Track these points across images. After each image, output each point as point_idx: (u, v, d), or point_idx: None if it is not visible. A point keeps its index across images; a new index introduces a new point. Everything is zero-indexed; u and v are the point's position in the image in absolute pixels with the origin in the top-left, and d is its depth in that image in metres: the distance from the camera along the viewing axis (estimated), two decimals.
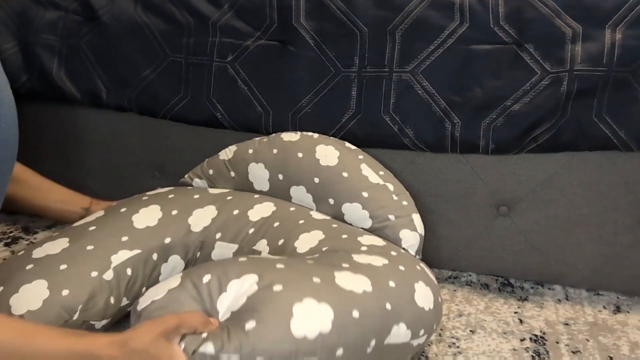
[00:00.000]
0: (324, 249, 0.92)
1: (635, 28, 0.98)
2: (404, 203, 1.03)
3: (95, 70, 1.23)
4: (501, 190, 1.09)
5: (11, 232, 1.28)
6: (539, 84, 1.02)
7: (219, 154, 1.15)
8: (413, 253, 0.99)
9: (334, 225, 0.99)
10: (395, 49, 1.08)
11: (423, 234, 1.02)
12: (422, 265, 0.93)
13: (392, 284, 0.83)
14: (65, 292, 0.86)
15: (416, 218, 1.02)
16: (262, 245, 0.98)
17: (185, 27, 1.18)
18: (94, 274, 0.90)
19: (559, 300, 1.08)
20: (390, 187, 1.04)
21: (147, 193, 1.10)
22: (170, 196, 1.07)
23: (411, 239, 0.99)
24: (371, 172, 1.05)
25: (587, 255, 1.08)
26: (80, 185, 1.30)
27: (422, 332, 0.83)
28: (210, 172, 1.14)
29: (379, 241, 0.95)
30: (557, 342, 0.96)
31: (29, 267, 0.90)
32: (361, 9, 1.10)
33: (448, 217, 1.12)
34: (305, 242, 0.94)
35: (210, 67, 1.17)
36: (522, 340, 0.96)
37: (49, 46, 1.24)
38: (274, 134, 1.13)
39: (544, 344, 0.95)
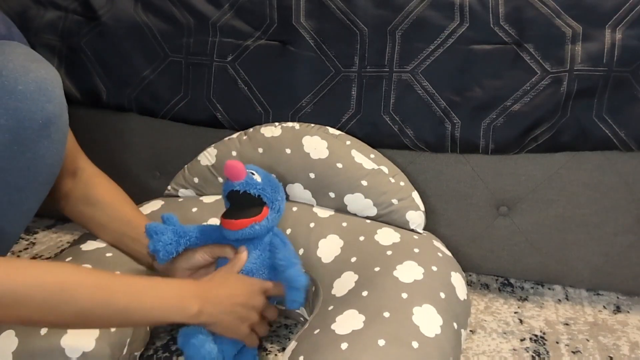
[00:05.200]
0: (352, 259, 0.92)
1: (635, 28, 0.98)
2: (402, 184, 1.05)
3: (95, 70, 1.23)
4: (501, 190, 1.09)
5: None
6: (539, 84, 1.02)
7: (199, 158, 1.13)
8: (420, 231, 1.02)
9: (344, 224, 0.99)
10: (395, 49, 1.08)
11: (424, 209, 1.05)
12: (437, 244, 0.99)
13: (442, 295, 0.85)
14: (112, 328, 0.81)
15: (416, 196, 1.05)
16: None
17: (185, 27, 1.18)
18: None
19: (559, 300, 1.08)
20: (385, 169, 1.05)
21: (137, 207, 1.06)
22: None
23: (417, 218, 1.02)
24: (364, 158, 1.05)
25: (587, 255, 1.08)
26: None
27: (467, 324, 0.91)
28: (196, 180, 1.13)
29: (393, 234, 0.97)
30: (557, 342, 0.96)
31: None
32: (361, 9, 1.10)
33: (448, 217, 1.12)
34: (328, 250, 0.95)
35: (210, 67, 1.17)
36: (522, 340, 0.96)
37: (49, 46, 1.24)
38: (252, 129, 1.12)
39: (544, 344, 0.95)
